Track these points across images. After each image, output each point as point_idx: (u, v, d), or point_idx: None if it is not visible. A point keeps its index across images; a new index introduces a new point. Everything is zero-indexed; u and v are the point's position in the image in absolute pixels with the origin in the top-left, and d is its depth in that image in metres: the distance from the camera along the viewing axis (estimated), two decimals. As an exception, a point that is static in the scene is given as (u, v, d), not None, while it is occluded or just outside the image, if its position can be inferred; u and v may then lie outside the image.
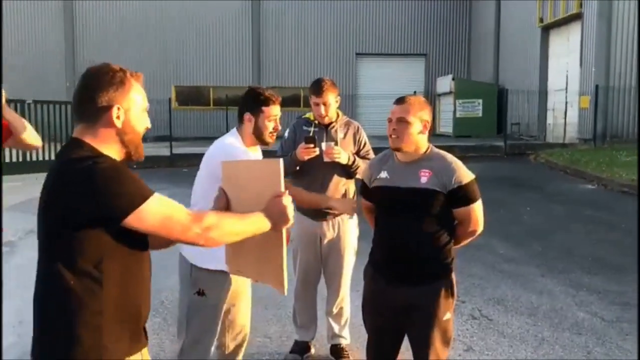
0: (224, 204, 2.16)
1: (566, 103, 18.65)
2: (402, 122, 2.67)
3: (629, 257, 6.47)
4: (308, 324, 4.13)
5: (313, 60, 25.32)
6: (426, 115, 2.72)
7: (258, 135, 3.03)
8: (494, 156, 16.69)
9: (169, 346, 4.27)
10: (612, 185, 10.74)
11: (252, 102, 3.04)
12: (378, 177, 2.81)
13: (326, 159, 3.72)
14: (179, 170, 14.31)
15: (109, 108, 1.74)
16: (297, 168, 3.81)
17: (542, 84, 20.05)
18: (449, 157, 2.74)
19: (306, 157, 3.69)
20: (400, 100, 2.74)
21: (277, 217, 1.93)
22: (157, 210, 1.67)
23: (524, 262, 6.38)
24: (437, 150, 2.79)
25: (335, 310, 4.05)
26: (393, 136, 2.69)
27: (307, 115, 4.02)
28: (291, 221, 1.96)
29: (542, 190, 11.01)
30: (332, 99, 3.84)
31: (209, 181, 2.80)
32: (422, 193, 2.63)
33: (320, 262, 4.02)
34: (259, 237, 1.94)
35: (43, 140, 14.16)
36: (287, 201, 1.95)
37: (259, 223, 1.90)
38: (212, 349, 3.18)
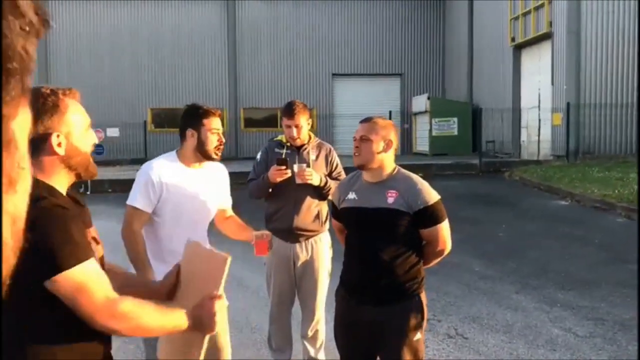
0: (172, 282, 2.01)
1: (539, 120, 18.96)
2: (365, 140, 2.72)
3: (601, 272, 6.56)
4: (283, 347, 4.10)
5: (289, 81, 25.42)
6: (390, 135, 2.76)
7: (202, 151, 3.00)
8: (469, 174, 16.86)
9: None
10: (584, 201, 10.90)
11: (191, 117, 3.04)
12: (346, 198, 2.84)
13: (298, 181, 3.73)
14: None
15: (46, 137, 1.65)
16: (270, 190, 3.82)
17: (515, 102, 20.38)
18: (415, 178, 2.78)
19: (278, 179, 3.71)
20: (365, 120, 2.80)
21: (204, 320, 1.75)
22: (74, 281, 1.55)
23: (498, 280, 6.42)
24: (403, 171, 2.83)
25: (310, 333, 4.04)
26: (356, 154, 2.74)
27: (279, 137, 4.05)
28: (215, 330, 1.79)
29: (517, 207, 11.14)
30: (303, 121, 3.88)
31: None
32: (389, 213, 2.66)
33: (295, 284, 4.01)
34: (184, 333, 1.79)
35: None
36: (219, 306, 1.78)
37: (176, 321, 1.73)
38: None
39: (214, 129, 2.99)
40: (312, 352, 4.06)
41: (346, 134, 23.61)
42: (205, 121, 2.99)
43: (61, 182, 1.71)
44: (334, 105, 25.76)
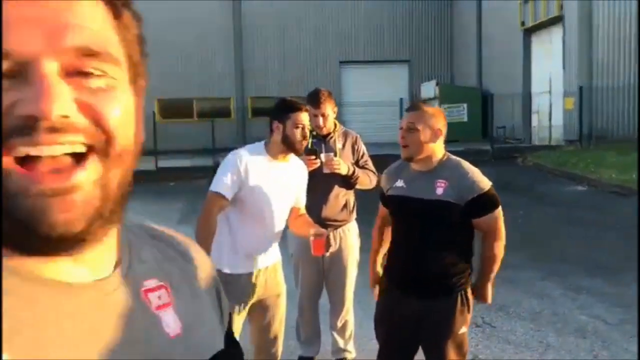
0: None
1: (550, 105, 18.78)
2: (411, 131, 2.62)
3: (625, 257, 6.47)
4: (312, 338, 4.05)
5: (296, 70, 25.25)
6: (438, 123, 2.66)
7: (287, 143, 3.01)
8: (481, 160, 16.68)
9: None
10: (602, 186, 10.79)
11: (279, 110, 3.07)
12: (394, 185, 2.75)
13: (326, 171, 3.67)
14: (165, 184, 14.16)
15: None
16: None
17: (526, 86, 20.19)
18: (465, 165, 2.68)
19: (308, 169, 3.63)
20: (411, 108, 2.70)
21: None
22: None
23: (521, 267, 6.34)
24: (453, 158, 2.73)
25: (339, 324, 3.98)
26: (403, 145, 2.64)
27: (305, 126, 3.96)
28: None
29: (533, 193, 11.04)
30: (329, 110, 3.81)
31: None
32: (437, 205, 2.57)
33: (323, 275, 3.95)
34: None
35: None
36: None
37: None
38: None
39: (299, 123, 3.00)
40: (341, 343, 4.00)
41: (354, 122, 23.52)
42: (292, 115, 3.00)
43: None
44: (342, 93, 25.58)
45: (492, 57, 22.69)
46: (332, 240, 3.79)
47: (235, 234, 3.01)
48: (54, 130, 0.51)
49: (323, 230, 3.06)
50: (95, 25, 0.55)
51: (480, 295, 2.75)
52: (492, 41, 22.61)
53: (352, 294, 3.99)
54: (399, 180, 2.74)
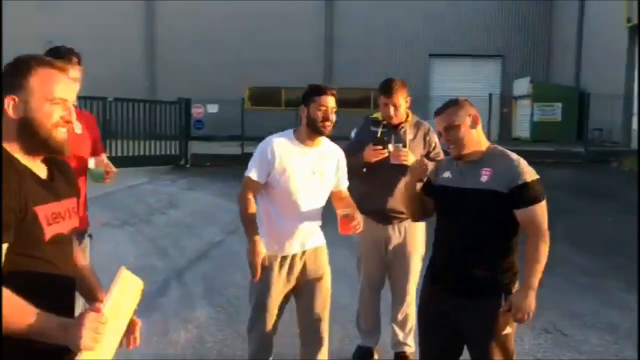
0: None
1: (654, 108, 17.61)
2: (451, 129, 2.60)
3: None
4: (372, 329, 4.04)
5: (385, 62, 24.96)
6: (470, 110, 2.64)
7: (311, 126, 3.09)
8: (573, 162, 15.94)
9: (233, 342, 4.29)
10: None
11: (306, 94, 3.15)
12: (441, 176, 2.73)
13: (394, 161, 3.61)
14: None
15: (3, 97, 1.65)
16: (364, 170, 3.73)
17: (628, 87, 18.99)
18: (512, 154, 2.63)
19: (374, 159, 3.61)
20: (439, 112, 2.67)
21: (70, 330, 1.52)
22: None
23: (603, 276, 6.01)
24: (500, 148, 2.69)
25: (400, 317, 3.94)
26: (450, 146, 2.63)
27: (376, 115, 3.93)
28: (80, 345, 1.50)
29: (625, 200, 10.39)
30: (402, 99, 3.76)
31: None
32: (482, 194, 2.51)
33: (385, 267, 3.92)
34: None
35: (123, 137, 14.52)
36: (92, 319, 1.52)
37: (39, 323, 1.52)
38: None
39: (323, 106, 3.06)
40: (400, 336, 3.96)
41: (442, 117, 23.08)
42: (316, 97, 3.09)
43: (18, 149, 1.68)
44: (430, 87, 25.14)
45: (592, 55, 21.50)
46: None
47: (271, 217, 3.13)
48: None
49: (352, 211, 3.09)
50: None
51: (515, 304, 2.43)
52: (593, 38, 21.42)
53: (415, 288, 3.93)
54: (446, 172, 2.72)
